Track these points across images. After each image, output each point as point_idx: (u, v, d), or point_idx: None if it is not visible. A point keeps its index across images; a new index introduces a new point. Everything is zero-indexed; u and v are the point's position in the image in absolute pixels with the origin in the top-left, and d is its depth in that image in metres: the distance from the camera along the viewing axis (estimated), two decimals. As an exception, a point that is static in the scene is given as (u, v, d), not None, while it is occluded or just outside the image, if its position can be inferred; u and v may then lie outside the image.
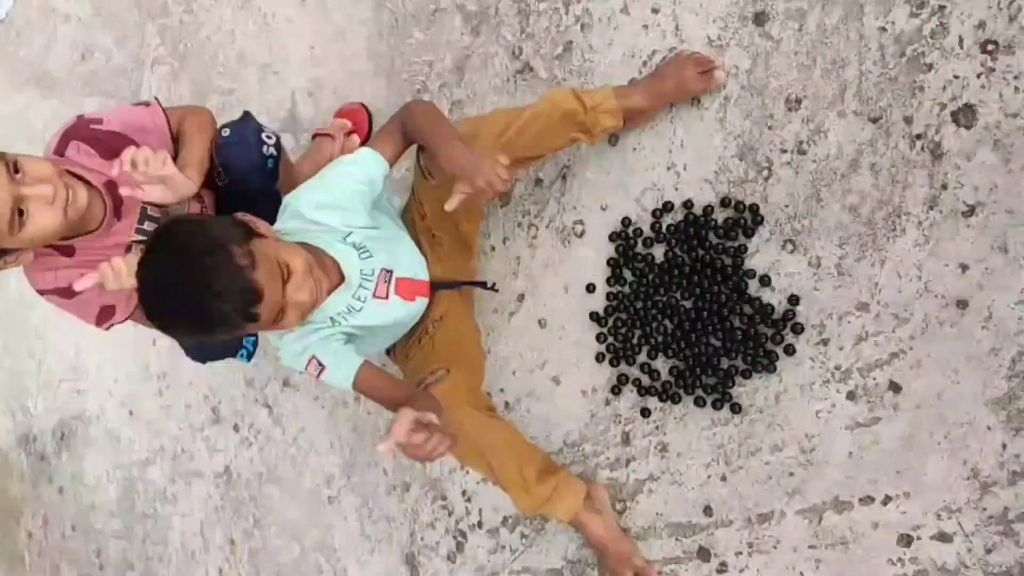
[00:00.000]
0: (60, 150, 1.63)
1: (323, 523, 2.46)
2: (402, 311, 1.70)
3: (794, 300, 1.60)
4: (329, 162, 2.06)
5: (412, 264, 1.72)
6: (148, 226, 1.73)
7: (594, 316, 1.82)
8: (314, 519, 2.49)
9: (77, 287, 1.52)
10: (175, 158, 1.71)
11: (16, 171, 1.44)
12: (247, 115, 1.89)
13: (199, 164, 1.70)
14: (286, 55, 2.35)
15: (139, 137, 1.67)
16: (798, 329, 1.60)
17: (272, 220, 1.67)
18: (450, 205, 1.49)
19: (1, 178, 1.42)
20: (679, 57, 1.67)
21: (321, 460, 2.44)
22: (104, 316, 1.74)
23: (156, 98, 1.76)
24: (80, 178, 1.58)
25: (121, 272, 1.50)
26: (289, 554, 2.58)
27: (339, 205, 1.61)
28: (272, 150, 1.85)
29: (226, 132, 1.79)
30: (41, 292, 1.69)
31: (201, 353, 2.05)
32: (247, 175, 1.83)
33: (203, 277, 1.32)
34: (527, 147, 1.61)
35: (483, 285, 1.88)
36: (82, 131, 1.64)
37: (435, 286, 1.76)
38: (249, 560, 2.71)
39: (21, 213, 1.45)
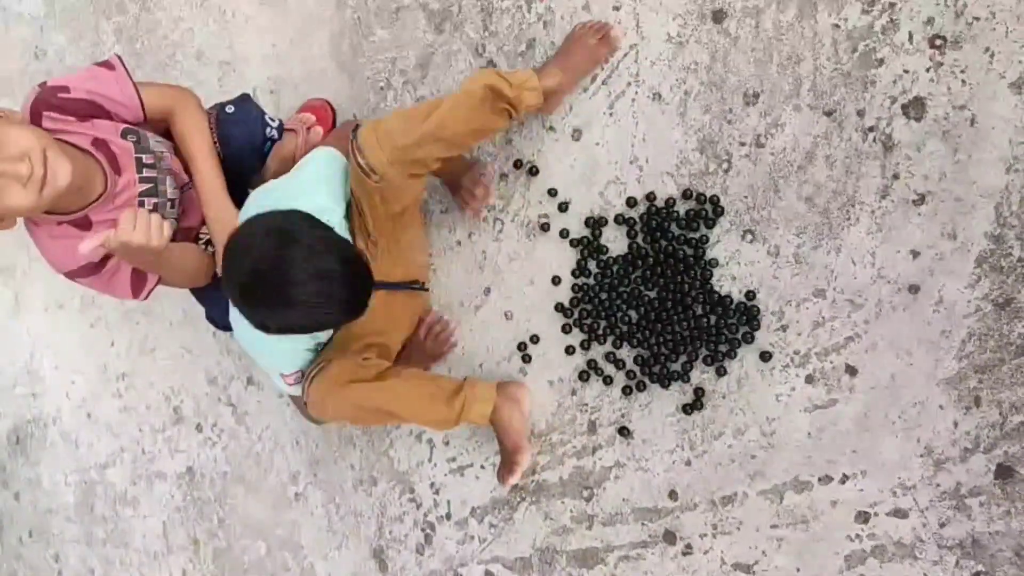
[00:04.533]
0: (36, 121, 1.54)
1: (289, 520, 2.46)
2: None
3: (751, 296, 1.66)
4: (292, 156, 2.09)
5: None
6: (148, 173, 1.67)
7: (559, 307, 1.86)
8: (280, 517, 2.48)
9: (83, 249, 1.45)
10: (145, 120, 1.71)
11: None
12: (247, 96, 1.91)
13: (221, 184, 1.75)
14: (246, 53, 2.35)
15: (110, 107, 1.63)
16: (755, 325, 1.65)
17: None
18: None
19: None
20: (579, 31, 1.75)
21: (286, 457, 2.44)
22: (137, 282, 1.69)
23: (119, 56, 1.71)
24: (72, 145, 1.52)
25: (144, 221, 1.45)
26: (255, 553, 2.57)
27: (315, 193, 1.67)
28: (274, 133, 1.87)
29: (230, 109, 1.80)
30: (69, 274, 1.63)
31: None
32: (245, 154, 1.83)
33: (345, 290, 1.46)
34: (456, 130, 1.62)
35: (412, 286, 1.90)
36: (52, 100, 1.56)
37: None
38: (214, 560, 2.70)
39: None
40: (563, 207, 1.85)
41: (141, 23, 2.59)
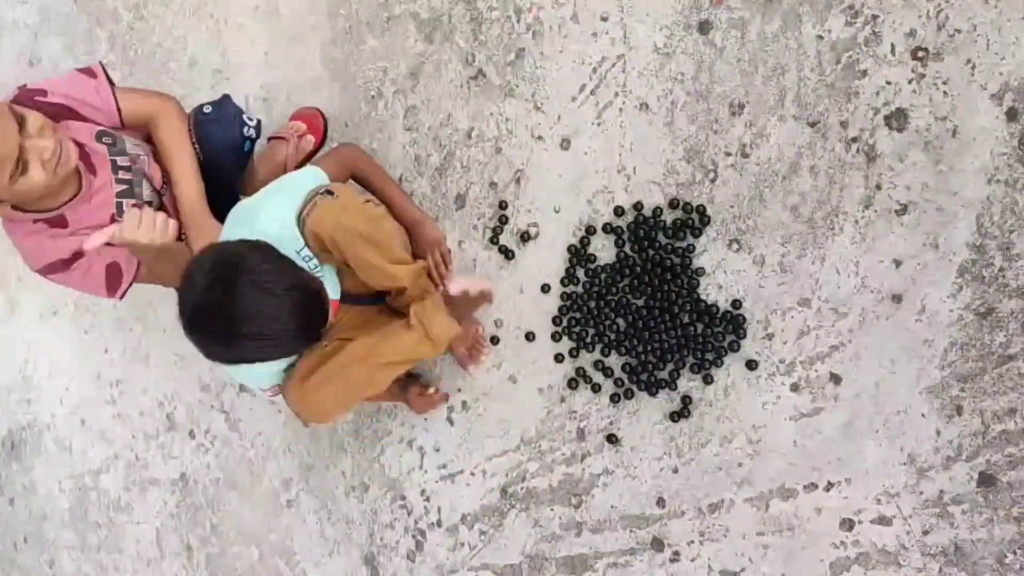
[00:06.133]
0: None
1: (281, 527, 2.47)
2: None
3: (737, 304, 1.67)
4: (283, 164, 2.09)
5: (334, 282, 1.76)
6: (123, 175, 1.69)
7: (548, 315, 1.87)
8: (272, 523, 2.49)
9: (86, 246, 1.48)
10: (123, 126, 1.72)
11: (21, 125, 1.43)
12: (227, 97, 1.93)
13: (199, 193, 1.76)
14: (239, 61, 2.36)
15: (85, 112, 1.65)
16: (741, 334, 1.66)
17: (235, 199, 1.72)
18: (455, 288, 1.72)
19: (12, 129, 1.40)
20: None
21: (279, 464, 2.45)
22: (112, 280, 1.70)
23: (101, 63, 1.73)
24: None
25: (149, 219, 1.47)
26: (248, 559, 2.58)
27: (278, 218, 1.61)
28: (252, 132, 1.88)
29: (208, 109, 1.82)
30: (42, 271, 1.66)
31: None
32: (223, 153, 1.85)
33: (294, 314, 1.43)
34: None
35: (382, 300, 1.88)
36: (27, 103, 1.58)
37: (344, 298, 1.80)
38: (207, 566, 2.70)
39: (20, 166, 1.43)
40: (525, 236, 1.90)
41: (135, 31, 2.60)
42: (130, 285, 1.75)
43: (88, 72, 1.69)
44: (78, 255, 1.64)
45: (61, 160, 1.49)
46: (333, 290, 1.74)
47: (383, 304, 1.88)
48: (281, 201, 1.61)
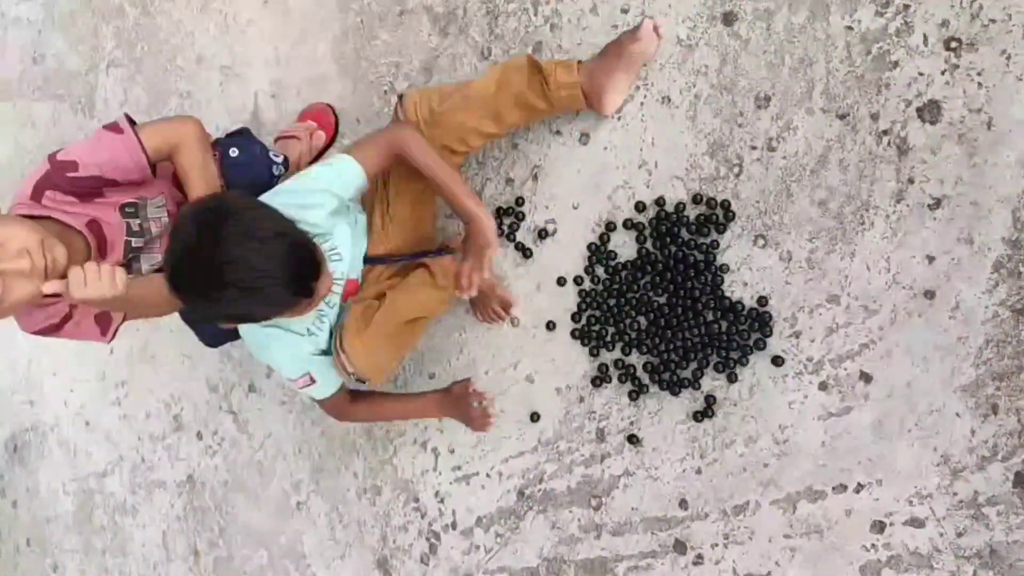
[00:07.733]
0: (36, 197, 1.57)
1: (291, 529, 2.43)
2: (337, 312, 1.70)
3: (763, 302, 1.63)
4: (296, 163, 2.06)
5: (357, 264, 1.71)
6: (132, 256, 1.69)
7: (567, 313, 1.84)
8: (282, 526, 2.46)
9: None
10: (152, 169, 1.69)
11: None
12: (247, 131, 1.90)
13: None
14: (248, 57, 2.32)
15: (118, 176, 1.63)
16: (767, 332, 1.63)
17: None
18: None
19: None
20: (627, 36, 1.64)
21: (289, 466, 2.41)
22: (104, 324, 1.70)
23: (127, 116, 1.71)
24: (60, 223, 1.55)
25: (94, 275, 1.43)
26: (256, 562, 2.54)
27: (319, 205, 1.60)
28: (280, 168, 1.86)
29: (234, 152, 1.78)
30: (34, 333, 1.67)
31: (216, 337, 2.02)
32: (253, 194, 1.83)
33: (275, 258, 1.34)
34: (486, 93, 1.63)
35: (429, 253, 1.81)
36: (57, 180, 1.58)
37: (374, 260, 1.76)
38: (214, 570, 2.67)
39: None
40: (542, 234, 1.85)
41: (141, 27, 2.57)
42: (119, 326, 1.74)
43: (115, 128, 1.66)
44: (67, 318, 1.65)
45: (50, 269, 1.45)
46: (358, 269, 1.72)
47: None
48: (316, 177, 1.63)
